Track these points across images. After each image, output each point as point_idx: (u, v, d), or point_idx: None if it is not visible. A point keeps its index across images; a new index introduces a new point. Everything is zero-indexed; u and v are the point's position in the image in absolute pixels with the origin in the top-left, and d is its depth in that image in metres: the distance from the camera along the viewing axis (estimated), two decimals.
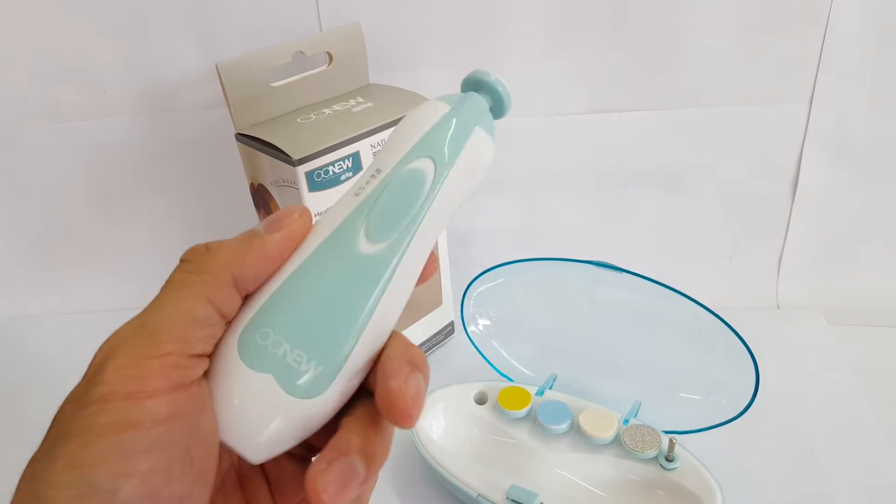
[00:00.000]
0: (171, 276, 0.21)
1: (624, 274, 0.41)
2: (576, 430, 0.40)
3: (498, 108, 0.26)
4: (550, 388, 0.43)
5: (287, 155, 0.38)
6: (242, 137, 0.41)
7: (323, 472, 0.19)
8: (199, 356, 0.20)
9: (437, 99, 0.25)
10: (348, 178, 0.40)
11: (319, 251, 0.22)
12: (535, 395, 0.42)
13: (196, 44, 0.50)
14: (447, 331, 0.52)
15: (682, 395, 0.41)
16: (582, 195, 0.55)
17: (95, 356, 0.19)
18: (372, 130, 0.40)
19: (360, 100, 0.44)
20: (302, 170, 0.38)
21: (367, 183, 0.23)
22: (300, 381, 0.20)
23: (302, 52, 0.43)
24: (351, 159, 0.40)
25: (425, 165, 0.23)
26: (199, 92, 0.52)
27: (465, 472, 0.38)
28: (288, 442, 0.21)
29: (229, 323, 0.21)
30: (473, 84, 0.26)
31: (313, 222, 0.23)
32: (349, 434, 0.20)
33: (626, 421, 0.39)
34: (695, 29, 0.47)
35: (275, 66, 0.42)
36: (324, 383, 0.21)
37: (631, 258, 0.42)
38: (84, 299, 0.59)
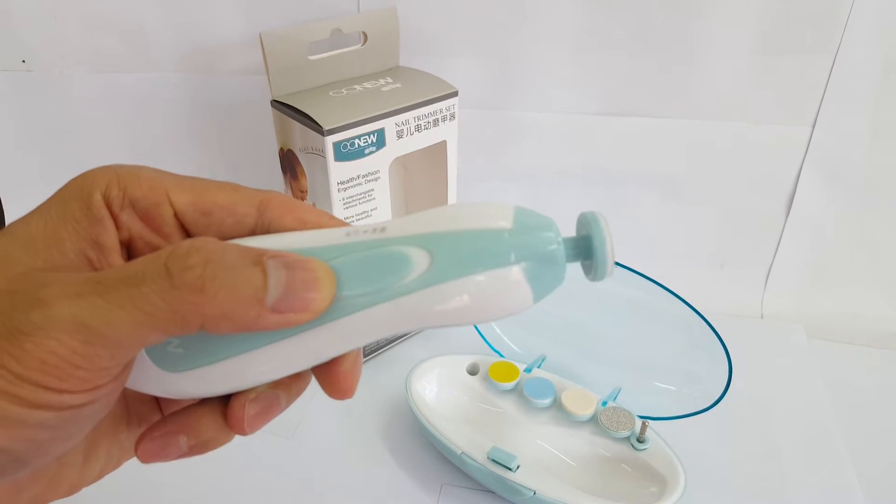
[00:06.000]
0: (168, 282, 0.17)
1: (619, 268, 0.43)
2: (557, 406, 0.43)
3: (591, 269, 0.20)
4: (538, 367, 0.46)
5: (318, 124, 0.40)
6: (278, 104, 0.44)
7: (150, 437, 0.21)
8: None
9: (513, 212, 0.20)
10: (372, 153, 0.43)
11: None
12: (524, 371, 0.45)
13: (240, 12, 0.53)
14: None
15: (660, 384, 0.44)
16: (587, 192, 0.57)
17: (39, 284, 0.17)
18: (398, 110, 0.43)
19: (390, 80, 0.47)
20: (330, 140, 0.41)
21: (364, 233, 0.20)
22: (161, 351, 0.20)
23: (339, 30, 0.46)
24: (376, 135, 0.43)
25: (418, 257, 0.19)
26: (238, 58, 0.54)
27: (453, 433, 0.41)
28: (148, 391, 0.21)
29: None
30: (581, 225, 0.20)
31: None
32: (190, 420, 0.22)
33: (605, 403, 0.43)
34: (711, 44, 0.50)
35: (313, 41, 0.45)
36: (177, 365, 0.20)
37: (627, 256, 0.45)
38: None
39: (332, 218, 0.22)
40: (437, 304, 0.19)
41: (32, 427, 0.17)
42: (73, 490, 0.22)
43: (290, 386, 0.22)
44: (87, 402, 0.18)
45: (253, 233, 0.21)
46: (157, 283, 0.17)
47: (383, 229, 0.20)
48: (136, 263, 0.18)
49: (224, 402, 0.22)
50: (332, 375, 0.21)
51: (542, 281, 0.19)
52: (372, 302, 0.19)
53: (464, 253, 0.19)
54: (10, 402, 0.17)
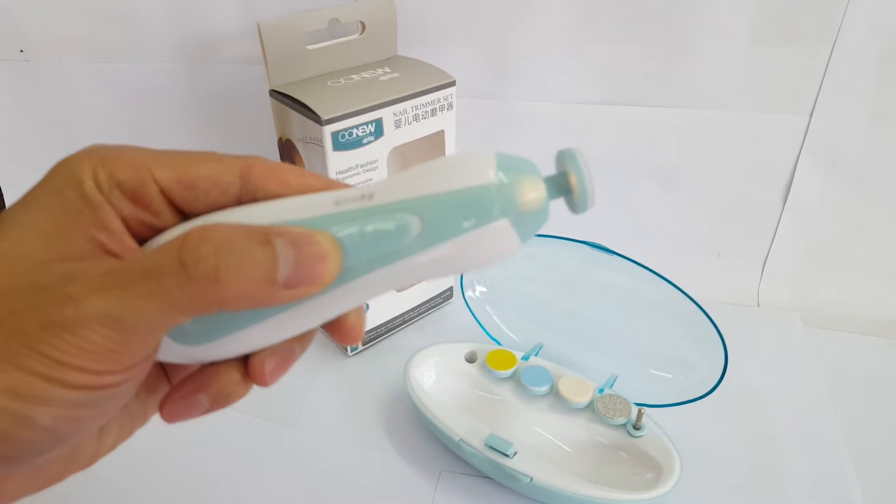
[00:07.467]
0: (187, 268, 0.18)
1: (616, 257, 0.44)
2: (554, 393, 0.43)
3: (573, 203, 0.21)
4: (536, 356, 0.46)
5: (316, 114, 0.41)
6: (276, 94, 0.44)
7: (172, 398, 0.23)
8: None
9: (495, 160, 0.20)
10: (370, 142, 0.43)
11: None
12: (521, 359, 0.46)
13: (238, 1, 0.53)
14: (446, 295, 0.56)
15: (656, 372, 0.44)
16: None
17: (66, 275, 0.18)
18: (396, 100, 0.43)
19: (388, 70, 0.47)
20: (328, 129, 0.41)
21: (353, 201, 0.20)
22: (180, 329, 0.21)
23: (337, 20, 0.46)
24: (374, 125, 0.43)
25: (411, 223, 0.20)
26: (236, 48, 0.54)
27: (451, 420, 0.41)
28: (170, 360, 0.22)
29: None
30: (560, 162, 0.21)
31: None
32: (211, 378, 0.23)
33: (602, 390, 0.43)
34: (708, 33, 0.50)
35: (311, 31, 0.45)
36: (195, 340, 0.21)
37: (624, 244, 0.45)
38: None
39: (316, 177, 0.22)
40: (431, 261, 0.20)
41: (74, 406, 0.19)
42: (88, 464, 0.23)
43: (302, 337, 0.23)
44: (124, 380, 0.19)
45: (239, 201, 0.22)
46: (174, 276, 0.18)
47: (371, 196, 0.20)
48: (152, 255, 0.19)
49: (240, 358, 0.23)
50: (341, 326, 0.23)
51: (528, 226, 0.20)
52: (373, 268, 0.20)
53: (453, 215, 0.20)
54: (54, 384, 0.18)
